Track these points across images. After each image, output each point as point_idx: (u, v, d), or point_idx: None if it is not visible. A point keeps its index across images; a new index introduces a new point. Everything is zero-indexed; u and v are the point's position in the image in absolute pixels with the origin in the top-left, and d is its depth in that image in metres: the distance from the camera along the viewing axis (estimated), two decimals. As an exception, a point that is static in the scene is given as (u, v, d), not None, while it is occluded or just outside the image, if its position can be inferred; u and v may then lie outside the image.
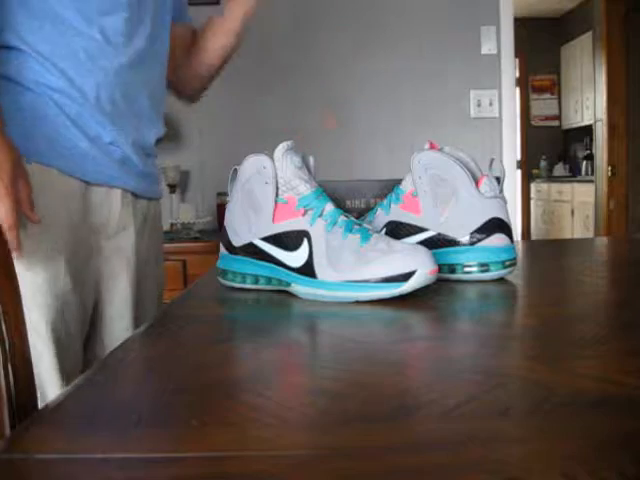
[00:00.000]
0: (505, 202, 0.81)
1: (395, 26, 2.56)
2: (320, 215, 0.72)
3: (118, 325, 1.03)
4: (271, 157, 0.75)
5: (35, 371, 0.83)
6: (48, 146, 0.90)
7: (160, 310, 0.70)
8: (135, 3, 0.97)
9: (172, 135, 2.55)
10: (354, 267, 0.69)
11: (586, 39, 5.69)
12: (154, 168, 1.10)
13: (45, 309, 0.89)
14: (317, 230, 0.72)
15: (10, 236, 0.80)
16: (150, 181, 1.08)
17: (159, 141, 1.10)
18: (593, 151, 5.49)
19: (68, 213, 0.92)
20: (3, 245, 0.72)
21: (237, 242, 0.79)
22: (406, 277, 0.67)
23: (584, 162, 6.08)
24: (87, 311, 0.97)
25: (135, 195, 1.03)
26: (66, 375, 0.91)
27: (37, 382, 0.73)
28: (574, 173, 6.39)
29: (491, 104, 2.56)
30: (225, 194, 2.29)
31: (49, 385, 0.89)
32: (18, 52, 0.89)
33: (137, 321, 1.05)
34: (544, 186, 6.49)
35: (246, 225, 0.77)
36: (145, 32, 1.00)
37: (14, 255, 0.80)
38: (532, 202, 6.79)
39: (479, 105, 2.57)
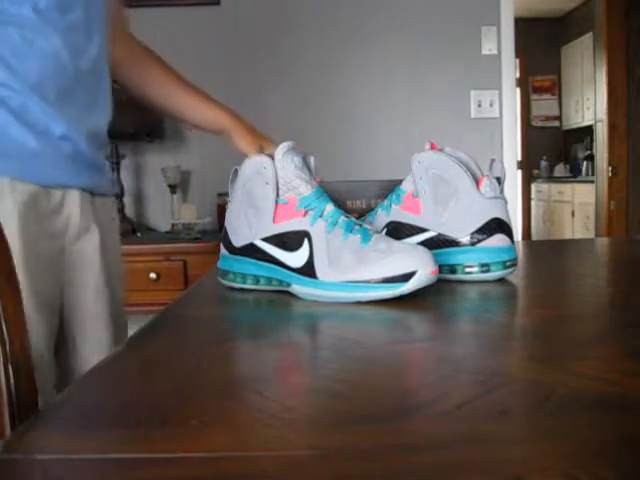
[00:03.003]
0: (505, 202, 0.81)
1: (395, 26, 2.56)
2: (321, 215, 0.72)
3: (90, 331, 0.95)
4: (271, 157, 0.75)
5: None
6: None
7: (161, 311, 0.70)
8: None
9: (172, 135, 2.55)
10: (354, 267, 0.69)
11: (586, 39, 5.69)
12: (106, 161, 1.01)
13: None
14: (318, 230, 0.72)
15: None
16: (103, 175, 0.99)
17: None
18: (593, 151, 5.49)
19: (24, 225, 0.82)
20: (3, 246, 0.72)
21: (237, 242, 0.79)
22: (407, 277, 0.67)
23: (584, 162, 6.08)
24: (53, 324, 0.89)
25: (92, 193, 0.95)
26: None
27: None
28: (574, 173, 6.39)
29: (491, 104, 2.56)
30: (226, 194, 2.29)
31: None
32: None
33: (111, 324, 0.98)
34: (544, 186, 6.49)
35: (246, 225, 0.77)
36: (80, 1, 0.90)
37: None
38: (533, 202, 6.79)
39: (479, 105, 2.57)
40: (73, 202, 0.91)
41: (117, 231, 1.08)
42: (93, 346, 0.96)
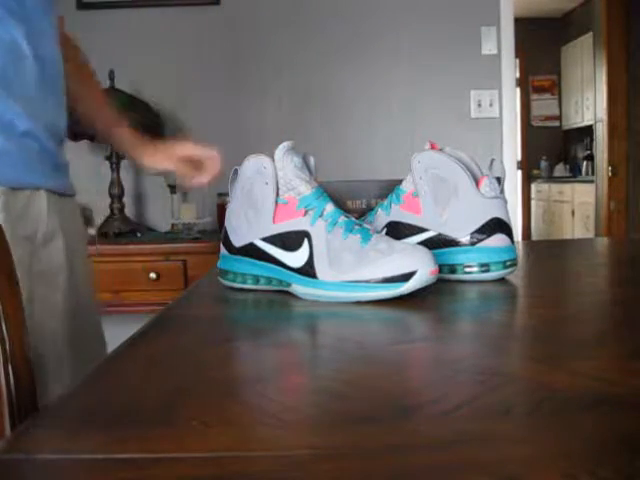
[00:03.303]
0: (505, 202, 0.81)
1: (395, 25, 2.56)
2: (320, 215, 0.72)
3: (53, 345, 0.89)
4: (271, 157, 0.75)
5: None
6: None
7: (161, 311, 0.70)
8: None
9: (172, 135, 2.55)
10: (354, 267, 0.69)
11: (586, 39, 5.69)
12: (66, 159, 0.95)
13: None
14: (317, 230, 0.72)
15: None
16: (65, 174, 0.95)
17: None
18: (593, 151, 5.49)
19: None
20: (4, 247, 0.72)
21: (237, 242, 0.79)
22: (406, 277, 0.67)
23: (584, 162, 6.08)
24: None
25: (58, 194, 0.91)
26: None
27: None
28: (574, 173, 6.40)
29: (491, 104, 2.56)
30: (226, 194, 2.29)
31: None
32: None
33: (75, 336, 0.93)
34: (544, 186, 6.49)
35: (246, 225, 0.77)
36: None
37: None
38: (532, 202, 6.79)
39: (479, 105, 2.57)
40: (41, 204, 0.86)
41: (84, 232, 1.03)
42: (57, 355, 0.89)
